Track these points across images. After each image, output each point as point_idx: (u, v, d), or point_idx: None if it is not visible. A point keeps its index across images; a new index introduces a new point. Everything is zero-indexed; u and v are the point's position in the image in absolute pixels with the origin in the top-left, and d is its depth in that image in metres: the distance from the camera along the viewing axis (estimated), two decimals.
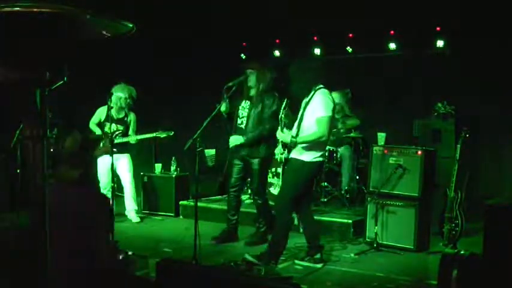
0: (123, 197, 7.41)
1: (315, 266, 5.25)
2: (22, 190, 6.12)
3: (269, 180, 7.20)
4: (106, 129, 6.95)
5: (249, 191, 7.83)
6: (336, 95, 7.47)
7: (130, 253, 4.88)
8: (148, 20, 6.70)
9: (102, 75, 6.96)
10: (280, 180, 7.24)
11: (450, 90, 7.44)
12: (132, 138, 7.09)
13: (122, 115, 7.14)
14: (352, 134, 7.60)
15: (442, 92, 7.45)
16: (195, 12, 8.50)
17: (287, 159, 5.18)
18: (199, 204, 5.53)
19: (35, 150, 1.60)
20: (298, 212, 5.51)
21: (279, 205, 5.34)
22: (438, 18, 7.66)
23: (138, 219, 7.33)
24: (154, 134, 6.97)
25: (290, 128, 5.25)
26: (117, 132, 7.01)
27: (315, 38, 8.89)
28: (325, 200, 7.34)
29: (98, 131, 7.12)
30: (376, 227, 5.87)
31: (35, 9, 1.48)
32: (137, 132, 7.22)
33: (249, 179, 6.57)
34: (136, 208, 7.40)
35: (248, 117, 6.07)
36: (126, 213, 7.34)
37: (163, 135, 6.94)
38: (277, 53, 9.35)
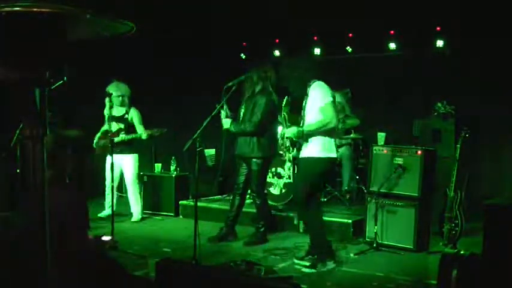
0: (127, 196, 7.43)
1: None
2: (22, 190, 6.12)
3: (269, 180, 7.23)
4: (105, 128, 6.98)
5: (249, 191, 7.82)
6: (336, 95, 7.48)
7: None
8: (148, 20, 6.69)
9: (102, 75, 6.95)
10: (280, 180, 7.28)
11: (450, 90, 7.43)
12: (141, 134, 6.97)
13: (121, 113, 7.11)
14: (352, 135, 7.60)
15: (442, 92, 7.45)
16: (195, 12, 8.50)
17: (295, 158, 5.19)
18: (199, 204, 5.53)
19: (35, 150, 1.59)
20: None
21: (301, 206, 5.31)
22: (438, 18, 7.66)
23: (138, 219, 7.31)
24: (150, 132, 6.95)
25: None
26: (117, 131, 7.00)
27: (315, 38, 8.90)
28: (325, 199, 7.35)
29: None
30: (376, 227, 5.87)
31: (35, 9, 1.48)
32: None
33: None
34: (138, 210, 7.37)
35: (244, 112, 6.14)
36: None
37: (157, 133, 6.94)
38: (277, 52, 9.35)
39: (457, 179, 5.76)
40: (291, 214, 6.89)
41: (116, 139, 6.82)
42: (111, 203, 7.03)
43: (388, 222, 5.95)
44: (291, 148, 5.27)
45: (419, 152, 5.89)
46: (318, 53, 8.87)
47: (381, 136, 6.46)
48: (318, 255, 5.14)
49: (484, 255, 4.10)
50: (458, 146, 5.78)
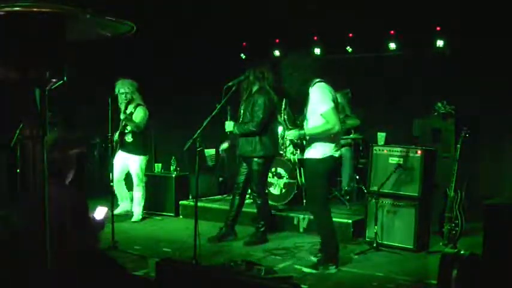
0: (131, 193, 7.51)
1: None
2: (22, 190, 6.12)
3: (269, 180, 7.23)
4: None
5: (249, 191, 7.83)
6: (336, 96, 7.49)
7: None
8: (149, 20, 6.69)
9: (102, 75, 6.96)
10: (280, 180, 7.27)
11: (450, 90, 7.44)
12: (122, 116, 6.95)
13: (129, 110, 7.07)
14: (352, 135, 7.60)
15: (442, 91, 7.45)
16: (195, 12, 8.50)
17: (300, 160, 5.18)
18: (199, 204, 5.53)
19: (35, 150, 1.59)
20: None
21: (312, 208, 5.31)
22: (438, 18, 7.67)
23: (138, 219, 7.29)
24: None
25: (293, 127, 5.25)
26: (123, 126, 7.04)
27: (315, 38, 8.90)
28: None
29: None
30: (376, 227, 5.87)
31: (35, 9, 1.48)
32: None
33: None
34: (139, 210, 7.33)
35: (243, 114, 6.15)
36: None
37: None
38: (277, 53, 9.35)
39: (457, 179, 5.76)
40: (291, 214, 6.89)
41: (116, 135, 6.92)
42: (123, 197, 7.34)
43: (388, 222, 5.95)
44: (295, 150, 5.26)
45: (419, 152, 5.89)
46: (318, 53, 8.88)
47: (381, 136, 6.46)
48: (322, 257, 5.14)
49: (484, 255, 4.11)
50: (459, 146, 5.78)
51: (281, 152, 7.35)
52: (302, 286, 4.54)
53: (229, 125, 6.15)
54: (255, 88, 6.05)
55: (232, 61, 8.97)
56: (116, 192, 7.18)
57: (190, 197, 7.89)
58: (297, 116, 6.91)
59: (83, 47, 1.92)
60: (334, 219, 6.48)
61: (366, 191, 6.42)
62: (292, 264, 5.33)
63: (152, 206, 7.86)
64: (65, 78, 1.64)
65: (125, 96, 7.00)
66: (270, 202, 7.21)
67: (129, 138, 7.04)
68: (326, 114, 4.88)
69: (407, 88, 8.03)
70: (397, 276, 4.98)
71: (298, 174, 5.36)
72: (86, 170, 6.92)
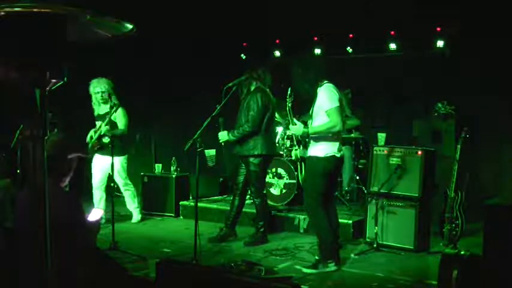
0: (123, 197, 7.37)
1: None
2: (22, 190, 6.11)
3: (269, 180, 7.22)
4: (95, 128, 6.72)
5: (249, 191, 7.83)
6: None
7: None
8: (148, 20, 6.69)
9: (102, 75, 6.94)
10: (280, 181, 7.27)
11: (450, 91, 7.43)
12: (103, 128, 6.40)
13: (106, 110, 6.70)
14: (352, 135, 7.60)
15: (442, 92, 7.44)
16: (195, 12, 8.50)
17: (303, 157, 5.22)
18: (199, 204, 5.53)
19: (35, 151, 1.59)
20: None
21: (307, 205, 5.32)
22: (438, 18, 7.66)
23: (137, 219, 7.26)
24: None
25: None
26: (99, 127, 6.60)
27: (315, 38, 8.90)
28: None
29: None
30: (376, 227, 5.87)
31: (35, 10, 1.48)
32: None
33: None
34: (137, 207, 7.30)
35: (238, 117, 6.15)
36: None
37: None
38: (277, 53, 9.35)
39: (458, 179, 5.76)
40: (291, 214, 6.89)
41: (96, 135, 6.48)
42: (99, 202, 6.99)
43: (389, 223, 5.95)
44: (296, 146, 5.28)
45: (419, 152, 5.89)
46: (319, 53, 8.87)
47: (381, 136, 6.46)
48: (321, 256, 5.15)
49: (484, 255, 4.11)
50: (459, 146, 5.78)
51: (281, 153, 7.35)
52: (302, 286, 4.54)
53: (223, 135, 6.14)
54: (251, 89, 6.06)
55: (232, 61, 8.97)
56: (95, 197, 6.97)
57: (190, 197, 7.89)
58: (297, 117, 6.92)
59: (83, 47, 1.92)
60: None
61: (366, 191, 6.42)
62: (292, 265, 5.33)
63: (152, 207, 7.87)
64: (65, 78, 1.64)
65: (101, 96, 6.69)
66: (270, 202, 7.21)
67: (106, 139, 6.56)
68: (330, 112, 4.98)
69: (407, 88, 8.03)
70: (397, 277, 4.98)
71: (299, 170, 5.37)
72: (83, 174, 6.85)
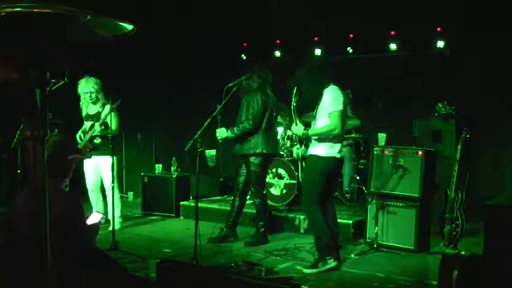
0: (125, 196, 7.30)
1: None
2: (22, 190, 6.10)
3: (269, 180, 7.22)
4: (83, 128, 6.69)
5: (249, 191, 7.83)
6: None
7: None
8: (149, 20, 6.70)
9: (102, 75, 6.93)
10: (281, 181, 7.27)
11: (450, 91, 7.44)
12: (97, 127, 6.35)
13: (95, 111, 6.62)
14: (352, 135, 7.60)
15: (442, 92, 7.45)
16: (196, 12, 8.51)
17: (304, 156, 5.25)
18: (199, 204, 5.53)
19: (36, 151, 1.59)
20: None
21: (304, 203, 5.36)
22: (438, 18, 7.66)
23: (116, 228, 6.27)
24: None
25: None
26: (90, 127, 6.56)
27: (316, 39, 8.90)
28: None
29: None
30: (376, 228, 5.87)
31: (35, 10, 1.48)
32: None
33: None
34: (119, 216, 6.81)
35: (238, 115, 6.16)
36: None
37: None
38: (277, 53, 9.36)
39: (458, 179, 5.76)
40: (292, 215, 6.89)
41: (88, 135, 6.47)
42: (97, 204, 6.85)
43: (389, 223, 5.95)
44: (299, 145, 5.32)
45: (420, 152, 5.89)
46: (319, 53, 8.88)
47: (382, 137, 6.46)
48: (319, 254, 5.15)
49: (484, 255, 4.10)
50: (459, 146, 5.78)
51: (281, 153, 7.35)
52: (303, 287, 4.54)
53: (221, 132, 6.12)
54: (252, 88, 6.06)
55: (233, 61, 8.97)
56: (91, 199, 6.81)
57: (190, 197, 7.90)
58: (301, 115, 6.93)
59: (83, 47, 1.92)
60: None
61: (366, 191, 6.42)
62: (292, 265, 5.33)
63: (153, 207, 7.88)
64: (66, 78, 1.64)
65: (90, 96, 6.53)
66: (270, 203, 7.21)
67: (97, 140, 6.56)
68: (332, 114, 5.03)
69: (407, 89, 8.03)
70: (397, 277, 4.98)
71: (300, 169, 5.40)
72: (82, 175, 6.80)
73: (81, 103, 6.71)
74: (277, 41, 9.33)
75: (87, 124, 6.65)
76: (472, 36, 7.32)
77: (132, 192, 9.23)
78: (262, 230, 6.17)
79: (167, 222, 7.47)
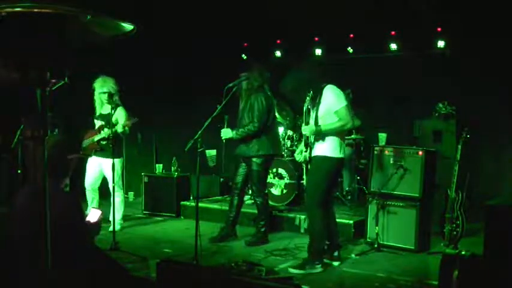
0: (128, 197, 7.27)
1: (330, 263, 5.30)
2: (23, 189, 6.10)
3: (270, 180, 7.23)
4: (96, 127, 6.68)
5: (249, 191, 7.83)
6: None
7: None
8: (149, 20, 6.69)
9: (106, 74, 6.93)
10: (281, 181, 7.28)
11: (451, 91, 7.43)
12: (116, 128, 6.28)
13: (107, 111, 6.55)
14: (353, 135, 7.60)
15: (442, 92, 7.45)
16: (196, 12, 8.50)
17: (310, 158, 5.22)
18: (200, 204, 5.53)
19: (36, 151, 1.60)
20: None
21: (308, 203, 5.33)
22: (439, 18, 7.66)
23: (117, 229, 6.22)
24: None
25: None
26: (99, 128, 6.57)
27: (316, 39, 8.90)
28: None
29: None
30: (377, 228, 5.87)
31: (35, 10, 1.48)
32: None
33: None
34: (117, 218, 6.57)
35: (240, 117, 6.15)
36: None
37: (129, 123, 6.36)
38: (278, 53, 9.36)
39: (458, 179, 5.75)
40: (292, 215, 6.89)
41: (97, 137, 6.48)
42: (91, 203, 6.76)
43: (389, 223, 5.95)
44: (305, 148, 5.28)
45: (420, 152, 5.89)
46: (319, 54, 8.88)
47: (382, 137, 6.46)
48: (309, 256, 5.15)
49: (485, 255, 4.10)
50: (459, 146, 5.78)
51: (282, 153, 7.35)
52: (303, 286, 4.54)
53: (226, 132, 6.13)
54: (252, 89, 6.05)
55: (233, 61, 8.97)
56: (88, 198, 6.75)
57: (191, 197, 7.90)
58: (298, 117, 6.94)
59: (83, 47, 1.92)
60: None
61: (366, 191, 6.42)
62: (293, 265, 5.32)
63: (153, 207, 7.88)
64: (66, 78, 1.64)
65: (108, 97, 6.44)
66: (271, 203, 7.22)
67: (104, 141, 6.52)
68: (339, 111, 5.04)
69: (408, 89, 8.03)
70: (398, 277, 4.98)
71: (304, 173, 5.36)
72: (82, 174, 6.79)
73: (94, 102, 6.64)
74: (278, 41, 9.33)
75: (97, 123, 6.64)
76: (472, 36, 7.32)
77: (132, 192, 9.24)
78: (262, 229, 6.17)
79: (167, 222, 7.46)
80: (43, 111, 1.60)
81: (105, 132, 6.39)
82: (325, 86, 5.15)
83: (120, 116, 6.45)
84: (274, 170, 7.32)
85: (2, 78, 1.57)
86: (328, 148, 5.10)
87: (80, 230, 3.10)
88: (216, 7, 8.43)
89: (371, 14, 7.84)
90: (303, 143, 5.33)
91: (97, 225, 3.44)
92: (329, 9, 7.89)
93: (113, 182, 6.18)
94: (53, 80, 1.61)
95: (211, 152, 7.15)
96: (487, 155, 7.72)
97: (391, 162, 6.00)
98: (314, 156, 5.19)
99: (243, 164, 6.23)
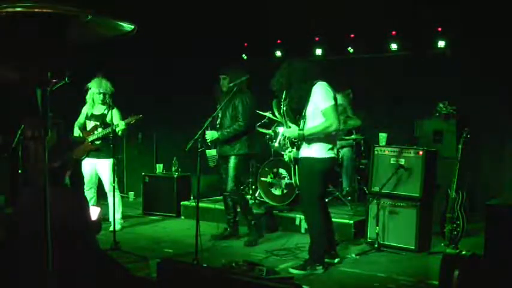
0: (129, 197, 7.28)
1: (332, 261, 5.30)
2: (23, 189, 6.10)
3: (270, 180, 7.24)
4: (78, 123, 6.71)
5: (250, 191, 7.84)
6: (338, 97, 7.47)
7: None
8: (149, 20, 6.69)
9: (103, 75, 6.92)
10: (282, 181, 7.27)
11: (451, 91, 7.43)
12: (117, 125, 6.26)
13: (100, 111, 6.58)
14: (353, 136, 7.60)
15: (443, 92, 7.45)
16: (196, 12, 8.50)
17: (296, 159, 5.13)
18: (200, 204, 5.53)
19: (37, 151, 1.60)
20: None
21: (305, 207, 5.31)
22: (439, 18, 7.66)
23: (117, 229, 6.21)
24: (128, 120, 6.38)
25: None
26: (92, 129, 6.58)
27: (317, 39, 8.90)
28: (327, 200, 7.33)
29: (78, 132, 6.68)
30: (377, 228, 5.87)
31: (36, 10, 1.48)
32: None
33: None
34: (117, 218, 6.50)
35: (222, 117, 6.14)
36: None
37: (132, 121, 6.39)
38: (278, 53, 9.36)
39: (459, 179, 5.75)
40: (293, 215, 6.89)
41: (91, 137, 6.49)
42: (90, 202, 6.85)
43: (390, 223, 5.95)
44: (290, 148, 5.18)
45: (420, 152, 5.89)
46: (320, 54, 8.87)
47: (383, 137, 6.46)
48: (310, 257, 5.14)
49: (485, 255, 4.11)
50: (460, 146, 5.77)
51: (282, 153, 7.34)
52: (304, 286, 4.54)
53: (212, 134, 6.11)
54: (235, 90, 5.99)
55: (233, 61, 8.97)
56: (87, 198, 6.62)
57: (191, 197, 7.90)
58: (298, 117, 6.90)
59: (83, 47, 1.92)
60: (335, 219, 6.50)
61: (367, 191, 6.42)
62: (293, 265, 5.31)
63: (154, 207, 7.88)
64: (66, 78, 1.64)
65: (102, 97, 6.47)
66: (271, 203, 7.24)
67: (97, 141, 6.54)
68: (326, 111, 4.90)
69: (408, 89, 8.02)
70: (398, 277, 4.98)
71: (292, 172, 5.32)
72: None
73: (89, 102, 6.62)
74: (278, 41, 9.33)
75: (88, 123, 6.64)
76: (472, 36, 7.32)
77: (133, 192, 9.23)
78: (253, 222, 6.16)
79: (168, 222, 7.46)
80: (44, 112, 1.60)
81: (101, 133, 6.43)
82: (315, 83, 5.02)
83: (116, 117, 6.41)
84: (275, 170, 7.32)
85: (2, 78, 1.57)
86: (314, 149, 5.00)
87: (87, 230, 3.11)
88: (216, 7, 8.43)
89: (371, 14, 7.84)
90: (288, 142, 5.23)
91: (97, 223, 3.44)
92: (329, 9, 7.89)
93: (113, 182, 6.20)
94: (54, 80, 1.61)
95: (212, 152, 7.12)
96: (487, 155, 7.72)
97: (392, 162, 5.99)
98: (303, 158, 5.08)
99: (224, 165, 6.23)
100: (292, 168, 5.25)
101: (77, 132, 6.70)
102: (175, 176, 7.85)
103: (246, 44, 9.58)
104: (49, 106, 1.61)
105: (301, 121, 5.06)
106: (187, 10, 8.43)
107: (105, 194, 6.70)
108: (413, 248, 5.80)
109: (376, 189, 6.01)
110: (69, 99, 6.40)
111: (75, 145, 6.56)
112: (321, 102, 4.92)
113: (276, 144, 6.93)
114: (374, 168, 6.16)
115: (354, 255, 5.68)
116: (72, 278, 2.87)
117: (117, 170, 6.43)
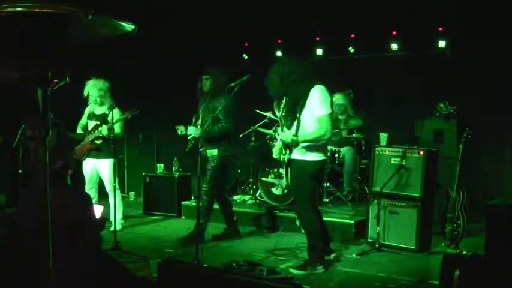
0: (128, 197, 7.30)
1: (328, 257, 5.30)
2: (24, 189, 6.10)
3: (271, 180, 7.24)
4: (81, 124, 6.77)
5: (251, 191, 7.84)
6: (339, 96, 7.48)
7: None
8: (149, 20, 6.69)
9: (102, 75, 6.92)
10: (282, 181, 7.27)
11: (452, 91, 7.42)
12: (104, 129, 6.36)
13: (101, 111, 6.62)
14: (354, 135, 7.60)
15: (443, 92, 7.44)
16: (196, 11, 8.50)
17: (290, 160, 5.13)
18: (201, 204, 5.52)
19: (38, 151, 1.60)
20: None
21: (298, 209, 5.31)
22: (440, 18, 7.66)
23: (118, 229, 6.28)
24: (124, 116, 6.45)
25: (289, 128, 5.17)
26: (93, 128, 6.60)
27: (317, 39, 8.90)
28: (327, 200, 7.34)
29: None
30: (378, 228, 5.87)
31: (36, 10, 1.48)
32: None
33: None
34: (118, 218, 6.49)
35: (203, 118, 6.17)
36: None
37: (129, 116, 6.43)
38: (279, 53, 9.35)
39: (459, 179, 5.75)
40: (293, 215, 6.88)
41: (91, 136, 6.52)
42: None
43: (390, 223, 5.95)
44: (284, 150, 5.18)
45: (421, 152, 5.89)
46: (320, 54, 8.87)
47: (383, 136, 6.45)
48: (309, 257, 5.14)
49: (486, 255, 4.10)
50: (461, 146, 5.77)
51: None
52: (304, 286, 4.54)
53: (195, 130, 6.10)
54: (216, 91, 6.01)
55: (233, 61, 8.97)
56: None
57: (192, 197, 7.90)
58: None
59: (84, 47, 1.92)
60: (336, 219, 6.53)
61: (367, 191, 6.42)
62: (294, 265, 5.32)
63: (154, 207, 7.88)
64: (67, 78, 1.64)
65: (99, 97, 6.56)
66: (272, 203, 7.24)
67: (98, 140, 6.56)
68: (321, 119, 4.89)
69: (409, 89, 8.02)
70: (399, 277, 4.98)
71: (285, 174, 5.32)
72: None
73: (89, 102, 6.68)
74: (279, 41, 9.33)
75: (90, 123, 6.66)
76: (472, 36, 7.31)
77: (133, 192, 9.23)
78: (202, 226, 5.97)
79: (169, 222, 7.47)
80: (44, 112, 1.60)
81: (103, 132, 6.41)
82: (313, 86, 4.96)
83: (116, 117, 6.42)
84: (275, 170, 7.32)
85: (3, 78, 1.57)
86: (306, 152, 5.00)
87: (93, 229, 3.12)
88: (216, 7, 8.42)
89: (372, 14, 7.83)
90: (281, 142, 5.20)
91: (101, 221, 3.45)
92: (329, 9, 7.88)
93: (114, 182, 6.21)
94: (55, 80, 1.61)
95: (212, 152, 7.12)
96: (487, 155, 7.71)
97: (392, 162, 5.99)
98: (295, 160, 5.08)
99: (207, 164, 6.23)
100: (284, 170, 5.26)
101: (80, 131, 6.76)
102: (176, 176, 7.86)
103: (246, 44, 9.57)
104: (49, 106, 1.61)
105: (295, 124, 5.04)
106: (187, 10, 8.42)
107: (106, 194, 6.71)
108: (413, 248, 5.79)
109: (377, 189, 6.01)
110: (69, 99, 6.43)
111: (75, 143, 6.59)
112: (318, 109, 4.90)
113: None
114: (375, 168, 6.15)
115: (354, 255, 5.68)
116: (73, 277, 2.88)
117: (117, 170, 6.42)
